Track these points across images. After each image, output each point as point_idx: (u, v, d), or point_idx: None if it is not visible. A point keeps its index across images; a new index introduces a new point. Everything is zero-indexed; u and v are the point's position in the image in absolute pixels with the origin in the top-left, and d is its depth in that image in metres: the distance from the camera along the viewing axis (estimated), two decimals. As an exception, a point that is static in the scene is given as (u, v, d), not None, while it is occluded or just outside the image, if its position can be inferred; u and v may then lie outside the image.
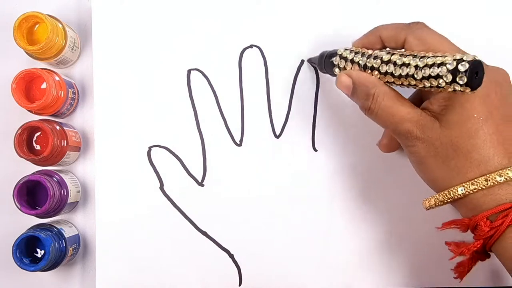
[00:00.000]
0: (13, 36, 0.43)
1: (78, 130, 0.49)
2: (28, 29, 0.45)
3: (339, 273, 0.47)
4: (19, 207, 0.43)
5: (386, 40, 0.39)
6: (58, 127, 0.45)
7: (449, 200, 0.36)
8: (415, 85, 0.35)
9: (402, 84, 0.36)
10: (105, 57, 0.48)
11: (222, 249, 0.47)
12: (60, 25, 0.46)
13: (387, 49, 0.39)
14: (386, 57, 0.37)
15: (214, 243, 0.47)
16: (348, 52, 0.40)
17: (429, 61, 0.33)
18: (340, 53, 0.41)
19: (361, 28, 0.48)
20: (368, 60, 0.38)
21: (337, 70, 0.41)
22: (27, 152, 0.44)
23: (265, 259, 0.47)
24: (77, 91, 0.48)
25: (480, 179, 0.34)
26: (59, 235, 0.45)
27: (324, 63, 0.43)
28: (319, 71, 0.48)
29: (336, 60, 0.41)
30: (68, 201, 0.46)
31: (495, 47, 0.47)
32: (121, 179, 0.47)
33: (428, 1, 0.48)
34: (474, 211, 0.35)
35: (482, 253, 0.37)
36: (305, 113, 0.48)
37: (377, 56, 0.37)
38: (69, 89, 0.46)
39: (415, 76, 0.34)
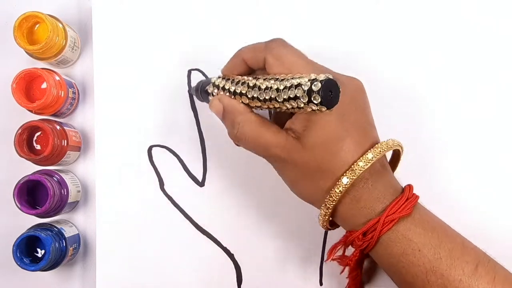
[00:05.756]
0: (13, 36, 0.43)
1: (78, 129, 0.49)
2: (28, 29, 0.45)
3: (338, 272, 0.47)
4: (19, 207, 0.43)
5: (249, 62, 0.39)
6: (58, 127, 0.45)
7: (329, 216, 0.37)
8: (279, 107, 0.35)
9: (269, 108, 0.36)
10: (105, 56, 0.48)
11: (222, 249, 0.47)
12: (60, 25, 0.46)
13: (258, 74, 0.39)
14: (252, 82, 0.37)
15: (215, 242, 0.47)
16: (220, 80, 0.40)
17: (288, 84, 0.34)
18: (213, 81, 0.41)
19: (361, 28, 0.48)
20: (237, 86, 0.38)
21: (211, 98, 0.41)
22: (27, 151, 0.44)
23: (265, 259, 0.47)
24: (77, 90, 0.48)
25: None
26: (60, 234, 0.45)
27: (200, 92, 0.43)
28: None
29: (210, 88, 0.41)
30: (69, 201, 0.46)
31: (494, 46, 0.47)
32: (122, 179, 0.47)
33: (427, 1, 0.48)
34: (350, 225, 0.37)
35: (363, 258, 0.42)
36: (305, 113, 0.48)
37: (245, 82, 0.38)
38: (70, 89, 0.46)
39: (277, 99, 0.35)
